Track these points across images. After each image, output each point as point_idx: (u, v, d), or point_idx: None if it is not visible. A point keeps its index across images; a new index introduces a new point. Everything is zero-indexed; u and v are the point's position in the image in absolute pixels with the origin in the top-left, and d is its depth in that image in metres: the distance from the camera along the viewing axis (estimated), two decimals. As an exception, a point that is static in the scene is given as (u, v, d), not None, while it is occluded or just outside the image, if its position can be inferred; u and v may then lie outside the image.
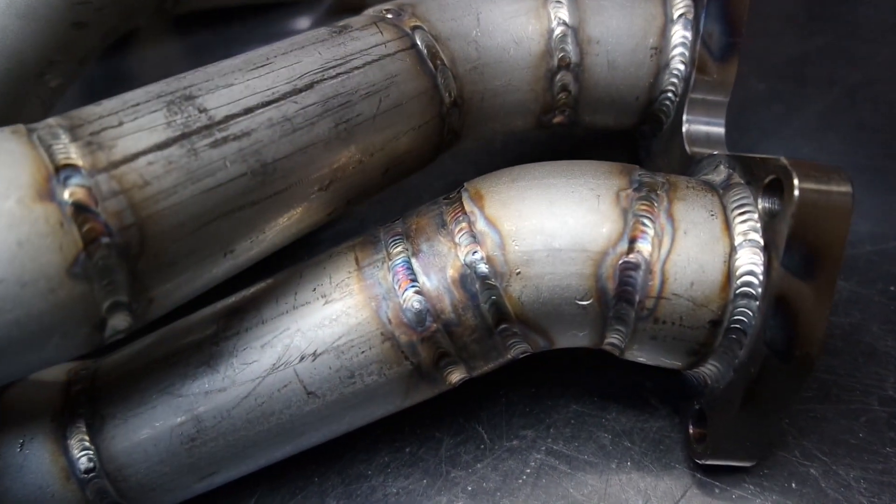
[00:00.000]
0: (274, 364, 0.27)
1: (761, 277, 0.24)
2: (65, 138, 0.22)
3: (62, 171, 0.21)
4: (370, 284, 0.27)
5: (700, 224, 0.25)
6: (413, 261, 0.27)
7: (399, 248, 0.27)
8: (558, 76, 0.33)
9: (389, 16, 0.31)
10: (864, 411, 0.29)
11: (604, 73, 0.33)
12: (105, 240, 0.21)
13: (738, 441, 0.27)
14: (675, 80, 0.33)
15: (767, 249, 0.24)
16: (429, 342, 0.26)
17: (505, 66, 0.32)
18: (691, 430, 0.29)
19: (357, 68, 0.28)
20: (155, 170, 0.22)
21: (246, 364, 0.27)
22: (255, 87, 0.25)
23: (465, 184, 0.29)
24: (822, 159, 0.39)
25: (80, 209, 0.20)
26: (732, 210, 0.25)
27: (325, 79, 0.27)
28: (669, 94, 0.33)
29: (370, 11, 0.32)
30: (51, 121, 0.23)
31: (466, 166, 0.40)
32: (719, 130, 0.32)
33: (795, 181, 0.23)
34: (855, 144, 0.40)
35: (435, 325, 0.26)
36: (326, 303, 0.27)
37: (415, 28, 0.30)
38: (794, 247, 0.23)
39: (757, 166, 0.25)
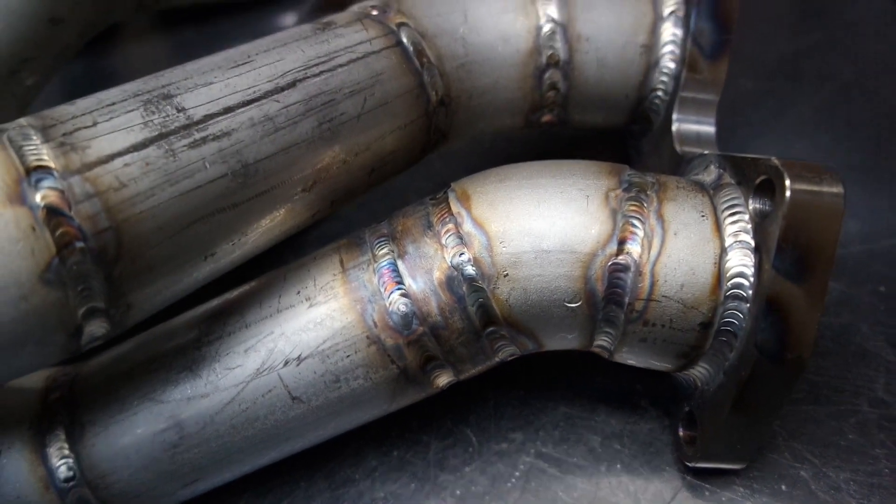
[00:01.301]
0: (258, 369, 0.26)
1: (752, 279, 0.24)
2: (36, 139, 0.21)
3: (33, 173, 0.20)
4: (355, 287, 0.26)
5: (690, 225, 0.25)
6: (399, 263, 0.26)
7: (385, 250, 0.27)
8: (547, 74, 0.32)
9: (375, 12, 0.30)
10: (853, 412, 0.29)
11: (593, 70, 0.33)
12: (79, 244, 0.20)
13: (728, 444, 0.26)
14: (665, 78, 0.33)
15: (758, 251, 0.24)
16: (415, 345, 0.26)
17: (493, 63, 0.32)
18: (681, 433, 0.28)
19: (341, 66, 0.27)
20: (131, 171, 0.21)
21: (229, 369, 0.26)
22: (236, 86, 0.25)
23: (451, 184, 0.28)
24: (813, 158, 0.39)
25: (52, 213, 0.20)
26: (723, 211, 0.25)
27: (309, 77, 0.26)
28: (659, 93, 0.33)
29: (355, 8, 0.31)
30: (22, 121, 0.22)
31: (454, 166, 0.40)
32: (710, 129, 0.31)
33: (787, 182, 0.23)
34: (847, 142, 0.39)
35: (421, 328, 0.26)
36: (311, 306, 0.27)
37: (400, 25, 0.30)
38: (786, 249, 0.23)
39: (748, 166, 0.25)
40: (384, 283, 0.26)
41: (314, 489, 0.31)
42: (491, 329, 0.26)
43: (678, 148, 0.31)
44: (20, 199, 0.20)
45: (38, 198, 0.20)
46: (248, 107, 0.24)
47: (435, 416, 0.32)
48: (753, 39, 0.46)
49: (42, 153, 0.20)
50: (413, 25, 0.30)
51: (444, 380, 0.27)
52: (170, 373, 0.27)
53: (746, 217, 0.24)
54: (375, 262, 0.26)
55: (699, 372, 0.27)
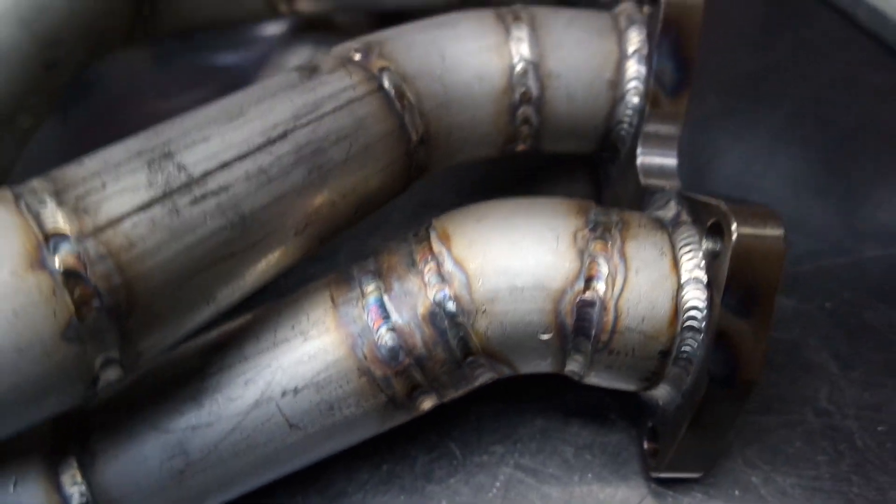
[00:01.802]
0: (257, 400, 0.28)
1: (704, 313, 0.27)
2: (51, 203, 0.23)
3: (52, 238, 0.22)
4: (346, 322, 0.28)
5: (650, 262, 0.27)
6: (385, 299, 0.28)
7: (372, 287, 0.29)
8: (520, 110, 0.35)
9: (358, 56, 0.32)
10: (801, 422, 0.32)
11: (563, 105, 0.35)
12: (96, 303, 0.22)
13: (687, 456, 0.29)
14: (629, 111, 0.35)
15: (710, 287, 0.26)
16: (402, 375, 0.28)
17: (470, 101, 0.34)
18: (645, 446, 0.31)
19: (327, 114, 0.29)
20: (139, 231, 0.23)
21: (230, 400, 0.28)
22: (231, 141, 0.26)
23: (433, 221, 0.31)
24: (771, 178, 0.42)
25: (70, 275, 0.22)
26: (680, 248, 0.28)
27: (298, 127, 0.28)
28: (625, 125, 0.35)
29: (339, 50, 0.33)
30: (35, 184, 0.24)
31: (432, 185, 0.42)
32: (672, 162, 0.34)
33: (733, 226, 0.25)
34: (801, 163, 0.42)
35: (408, 359, 0.28)
36: (305, 340, 0.29)
37: (382, 70, 0.32)
38: (733, 287, 0.25)
39: (702, 208, 0.27)
40: (372, 318, 0.28)
41: (309, 502, 0.33)
42: (471, 359, 0.29)
43: (642, 180, 0.33)
44: (41, 264, 0.21)
45: (56, 262, 0.22)
46: (242, 161, 0.26)
47: (421, 431, 0.34)
48: (718, 57, 0.48)
49: (58, 219, 0.22)
50: (394, 69, 0.32)
51: (428, 404, 0.30)
52: (174, 403, 0.29)
53: (700, 255, 0.27)
54: (364, 298, 0.29)
55: (661, 393, 0.29)
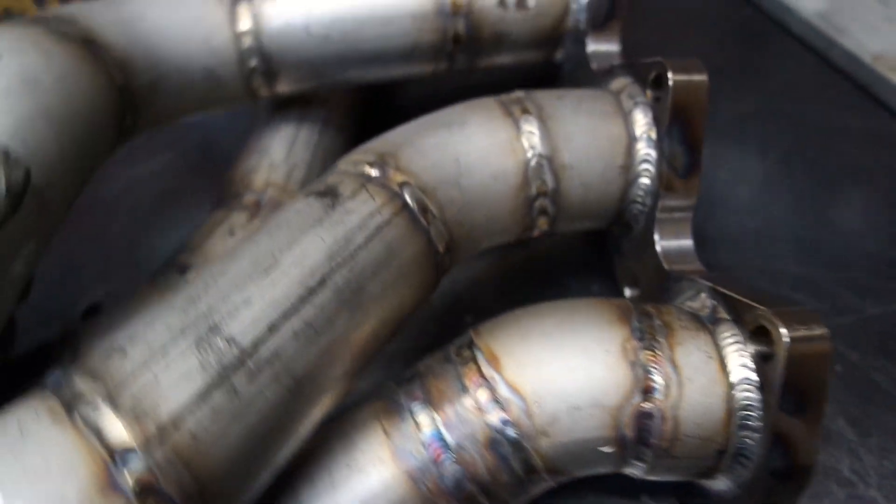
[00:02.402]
0: (324, 549, 0.28)
1: (759, 413, 0.27)
2: (108, 411, 0.21)
3: (117, 454, 0.21)
4: (404, 457, 0.28)
5: (700, 368, 0.28)
6: (443, 430, 0.28)
7: (425, 419, 0.28)
8: (537, 202, 0.35)
9: (374, 172, 0.31)
10: (826, 493, 0.33)
11: (578, 194, 0.35)
12: (171, 509, 0.21)
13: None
14: (641, 192, 0.35)
15: (762, 389, 0.27)
16: (466, 501, 0.28)
17: (488, 201, 0.34)
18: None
19: (360, 248, 0.28)
20: (202, 423, 0.22)
21: (296, 552, 0.28)
22: (273, 298, 0.26)
23: (472, 336, 0.30)
24: (765, 231, 0.43)
25: (144, 489, 0.21)
26: (725, 349, 0.28)
27: (335, 269, 0.27)
28: (637, 205, 0.36)
29: (352, 166, 0.32)
30: (82, 386, 0.22)
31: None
32: (689, 243, 0.35)
33: (784, 332, 0.26)
34: (793, 214, 0.43)
35: (472, 486, 0.28)
36: (364, 478, 0.28)
37: (402, 185, 0.31)
38: (787, 391, 0.26)
39: (742, 309, 0.28)
40: (433, 452, 0.28)
41: None
42: (532, 476, 0.29)
43: (666, 266, 0.34)
44: (112, 486, 0.20)
45: (128, 479, 0.21)
46: (288, 319, 0.25)
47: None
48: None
49: (121, 430, 0.21)
50: (414, 182, 0.32)
51: (491, 522, 0.30)
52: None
53: (749, 358, 0.28)
54: (420, 431, 0.28)
55: (718, 483, 0.30)
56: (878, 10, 0.55)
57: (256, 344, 0.24)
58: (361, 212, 0.29)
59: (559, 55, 0.45)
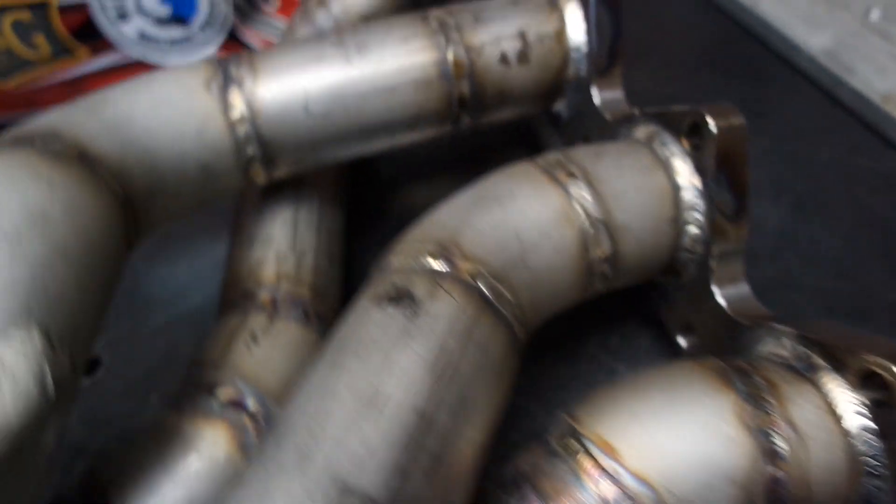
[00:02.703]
0: None
1: (884, 461, 0.27)
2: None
3: None
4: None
5: (817, 423, 0.28)
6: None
7: (553, 525, 0.26)
8: (596, 268, 0.33)
9: (440, 265, 0.29)
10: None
11: (634, 252, 0.34)
12: None
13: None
14: (690, 241, 0.35)
15: (884, 437, 0.27)
16: None
17: (553, 275, 0.32)
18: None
19: (456, 354, 0.26)
20: None
21: None
22: (392, 438, 0.23)
23: (572, 423, 0.29)
24: (786, 284, 0.42)
25: None
26: (832, 399, 0.28)
27: (444, 387, 0.25)
28: (686, 253, 0.35)
29: (411, 260, 0.30)
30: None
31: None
32: (746, 289, 0.34)
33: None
34: (810, 266, 0.43)
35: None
36: None
37: (475, 276, 0.29)
38: (913, 441, 0.26)
39: (843, 356, 0.28)
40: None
41: None
42: (669, 563, 0.27)
43: (733, 315, 0.33)
44: None
45: None
46: (416, 459, 0.23)
47: None
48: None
49: None
50: (484, 270, 0.30)
51: None
52: None
53: (861, 406, 0.28)
54: (551, 542, 0.26)
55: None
56: (884, 49, 0.55)
57: (394, 496, 0.22)
58: (447, 315, 0.27)
59: (559, 105, 0.45)
